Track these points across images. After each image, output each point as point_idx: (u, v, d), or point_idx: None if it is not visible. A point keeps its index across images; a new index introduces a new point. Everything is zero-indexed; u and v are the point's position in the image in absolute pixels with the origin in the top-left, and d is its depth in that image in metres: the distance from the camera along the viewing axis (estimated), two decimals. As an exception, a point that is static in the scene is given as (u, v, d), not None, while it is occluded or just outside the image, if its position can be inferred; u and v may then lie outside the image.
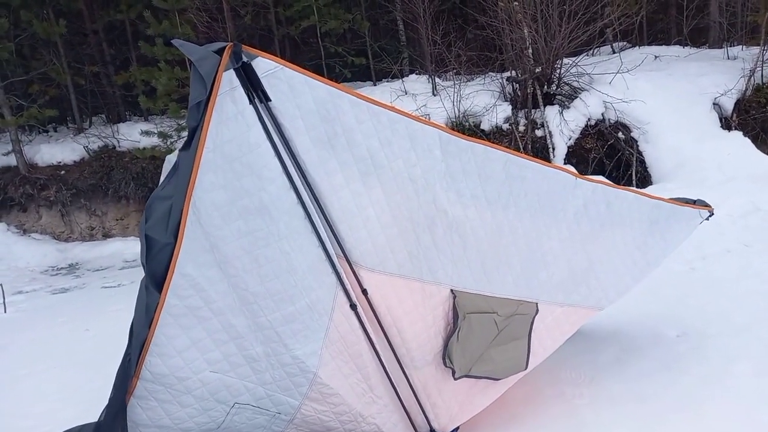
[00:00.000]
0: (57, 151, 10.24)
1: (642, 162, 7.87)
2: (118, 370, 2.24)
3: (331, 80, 2.19)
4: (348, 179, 2.22)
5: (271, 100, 2.05)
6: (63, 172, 10.08)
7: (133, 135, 10.06)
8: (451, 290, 2.53)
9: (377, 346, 2.43)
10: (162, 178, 2.39)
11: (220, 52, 1.98)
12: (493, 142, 2.75)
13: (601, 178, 2.87)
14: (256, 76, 2.02)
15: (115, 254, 9.33)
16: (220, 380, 2.32)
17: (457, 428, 2.78)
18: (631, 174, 7.93)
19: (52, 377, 4.29)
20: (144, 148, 9.72)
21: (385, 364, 2.48)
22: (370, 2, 11.49)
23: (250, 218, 2.09)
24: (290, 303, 2.22)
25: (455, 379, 2.58)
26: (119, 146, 10.15)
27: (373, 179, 2.25)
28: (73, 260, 9.41)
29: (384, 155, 2.25)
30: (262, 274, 2.16)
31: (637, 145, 7.93)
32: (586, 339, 3.58)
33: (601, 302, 3.00)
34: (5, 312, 6.55)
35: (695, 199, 3.26)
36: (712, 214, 3.24)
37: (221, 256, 2.12)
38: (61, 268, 9.14)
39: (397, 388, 2.56)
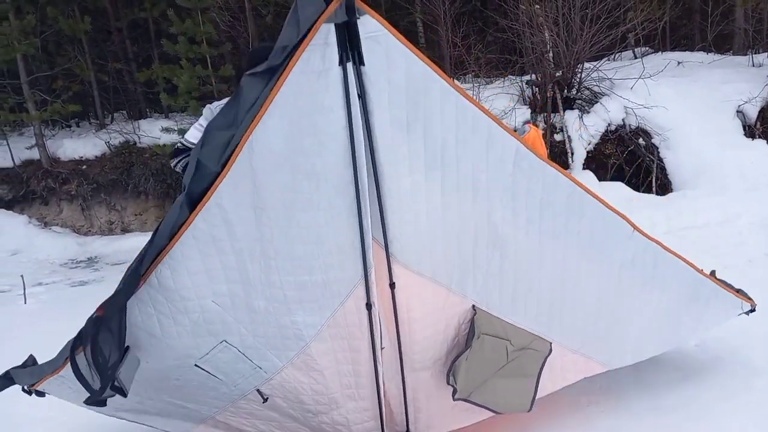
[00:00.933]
0: (79, 145, 10.39)
1: (663, 169, 7.77)
2: (128, 270, 2.23)
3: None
4: (412, 169, 2.09)
5: (365, 65, 1.91)
6: (84, 166, 10.22)
7: (153, 132, 10.17)
8: (474, 306, 2.46)
9: (378, 346, 2.37)
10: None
11: (328, 1, 1.86)
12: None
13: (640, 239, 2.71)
14: (358, 34, 1.88)
15: (133, 249, 9.39)
16: (219, 314, 2.29)
17: None
18: (651, 181, 7.83)
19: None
20: (164, 145, 9.81)
21: (379, 367, 2.43)
22: (390, 4, 11.49)
23: (298, 178, 2.02)
24: (307, 273, 2.18)
25: (454, 399, 2.50)
26: (140, 142, 10.27)
27: (436, 174, 2.13)
28: (93, 254, 9.53)
29: (455, 154, 2.13)
30: (290, 236, 2.11)
31: (658, 152, 7.82)
32: (602, 347, 3.54)
33: (613, 360, 2.90)
34: (25, 303, 6.66)
35: (738, 288, 3.13)
36: (754, 309, 3.11)
37: (260, 201, 2.07)
38: (81, 261, 9.27)
39: (386, 389, 2.52)
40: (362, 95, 1.95)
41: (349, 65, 1.90)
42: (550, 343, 2.63)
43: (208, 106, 2.84)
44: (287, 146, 1.98)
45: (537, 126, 6.20)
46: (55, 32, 10.69)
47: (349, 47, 1.89)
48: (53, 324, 5.82)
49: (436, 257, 2.30)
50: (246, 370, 2.45)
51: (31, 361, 2.78)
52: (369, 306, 2.27)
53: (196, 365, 2.43)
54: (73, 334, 2.59)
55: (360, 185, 2.02)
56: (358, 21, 1.87)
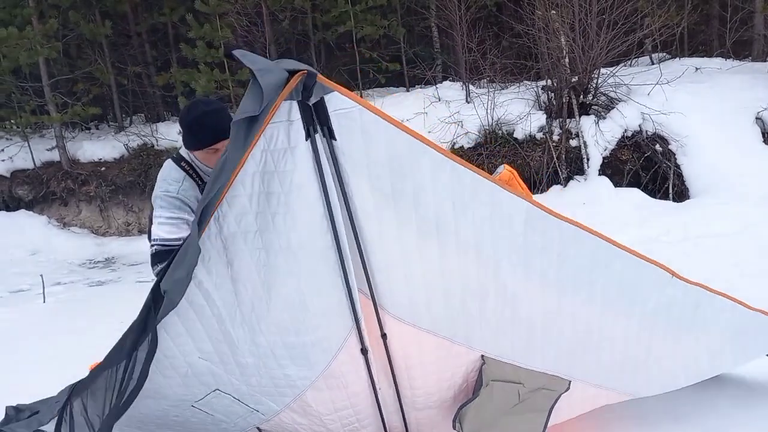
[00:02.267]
0: (98, 148, 10.56)
1: (680, 175, 7.70)
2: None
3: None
4: (402, 233, 1.97)
5: (336, 140, 1.78)
6: (103, 168, 10.38)
7: (171, 134, 10.30)
8: (482, 356, 2.37)
9: (379, 387, 2.33)
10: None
11: (291, 73, 1.71)
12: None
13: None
14: (326, 110, 1.75)
15: (149, 250, 9.55)
16: (208, 368, 2.22)
17: None
18: (668, 187, 7.76)
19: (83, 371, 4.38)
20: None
21: (382, 407, 2.40)
22: (405, 9, 11.54)
23: (272, 253, 1.92)
24: (294, 335, 2.11)
25: None
26: (157, 145, 10.39)
27: (431, 242, 2.01)
28: (110, 254, 9.67)
29: (453, 221, 2.00)
30: (272, 306, 2.03)
31: (675, 158, 7.76)
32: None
33: (640, 391, 2.79)
34: (44, 302, 6.77)
35: None
36: None
37: (236, 273, 1.99)
38: (98, 261, 9.40)
39: (388, 421, 2.51)
40: (336, 166, 1.82)
41: (318, 137, 1.76)
42: (569, 382, 2.54)
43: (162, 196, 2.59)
44: (258, 223, 1.88)
45: (512, 166, 6.09)
46: (76, 36, 10.90)
47: (318, 122, 1.75)
48: (71, 323, 5.92)
49: (435, 313, 2.19)
50: (243, 412, 2.41)
51: (11, 411, 2.59)
52: (364, 351, 2.18)
53: (193, 406, 2.39)
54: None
55: (342, 248, 1.91)
56: (325, 98, 1.74)
